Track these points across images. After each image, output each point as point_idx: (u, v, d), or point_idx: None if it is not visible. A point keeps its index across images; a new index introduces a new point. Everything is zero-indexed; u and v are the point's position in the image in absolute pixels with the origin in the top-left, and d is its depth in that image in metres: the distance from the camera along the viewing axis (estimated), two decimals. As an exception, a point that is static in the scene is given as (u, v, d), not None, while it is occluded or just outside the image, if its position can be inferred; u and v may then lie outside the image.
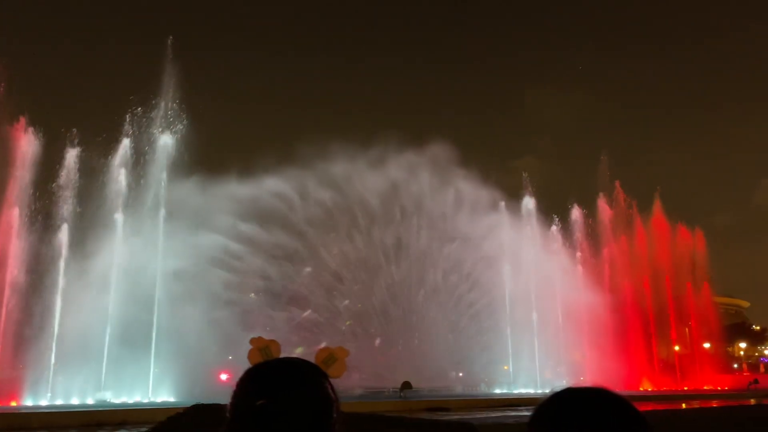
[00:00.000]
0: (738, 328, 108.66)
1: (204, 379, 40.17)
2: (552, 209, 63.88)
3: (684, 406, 40.76)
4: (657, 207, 73.79)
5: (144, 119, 43.79)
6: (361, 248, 59.06)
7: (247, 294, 53.01)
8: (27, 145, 38.60)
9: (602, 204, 68.73)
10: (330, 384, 1.62)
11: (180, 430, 15.29)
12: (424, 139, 63.18)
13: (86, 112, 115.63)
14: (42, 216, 38.92)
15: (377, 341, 57.38)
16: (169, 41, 46.31)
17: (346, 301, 58.39)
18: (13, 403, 33.20)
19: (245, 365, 1.74)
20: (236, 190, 50.53)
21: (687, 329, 75.83)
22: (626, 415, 1.44)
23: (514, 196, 61.60)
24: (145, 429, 18.04)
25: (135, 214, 41.93)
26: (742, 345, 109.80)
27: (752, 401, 45.02)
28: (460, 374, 60.24)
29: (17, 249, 37.07)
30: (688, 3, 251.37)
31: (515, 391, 53.00)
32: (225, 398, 1.66)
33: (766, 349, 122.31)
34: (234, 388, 1.62)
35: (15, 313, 36.07)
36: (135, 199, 42.38)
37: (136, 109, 43.36)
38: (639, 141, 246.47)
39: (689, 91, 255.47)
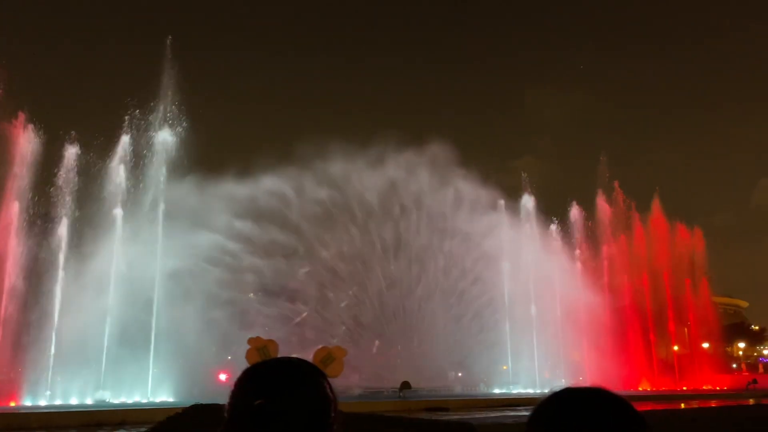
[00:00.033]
0: (737, 328, 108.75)
1: (203, 379, 40.18)
2: (551, 209, 64.02)
3: (683, 406, 40.76)
4: (656, 206, 73.92)
5: (142, 121, 43.80)
6: (361, 249, 59.08)
7: (246, 294, 53.01)
8: (26, 144, 38.57)
9: (601, 204, 68.79)
10: (328, 383, 1.62)
11: (179, 430, 15.28)
12: (423, 138, 63.29)
13: (86, 112, 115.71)
14: (41, 216, 38.91)
15: (375, 345, 57.32)
16: (168, 41, 46.35)
17: (343, 303, 58.38)
18: (12, 404, 33.18)
19: (244, 365, 1.74)
20: (235, 190, 50.54)
21: (686, 329, 75.88)
22: (625, 415, 1.44)
23: (513, 196, 61.74)
24: (144, 429, 18.03)
25: (134, 215, 41.92)
26: (741, 345, 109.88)
27: (751, 401, 45.02)
28: (459, 374, 60.26)
29: (16, 249, 37.03)
30: (688, 3, 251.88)
31: (514, 391, 53.03)
32: (224, 398, 1.65)
33: (764, 349, 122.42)
34: (232, 388, 1.61)
35: (14, 313, 36.04)
36: (134, 200, 42.38)
37: (134, 111, 43.39)
38: (638, 141, 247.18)
39: (689, 91, 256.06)
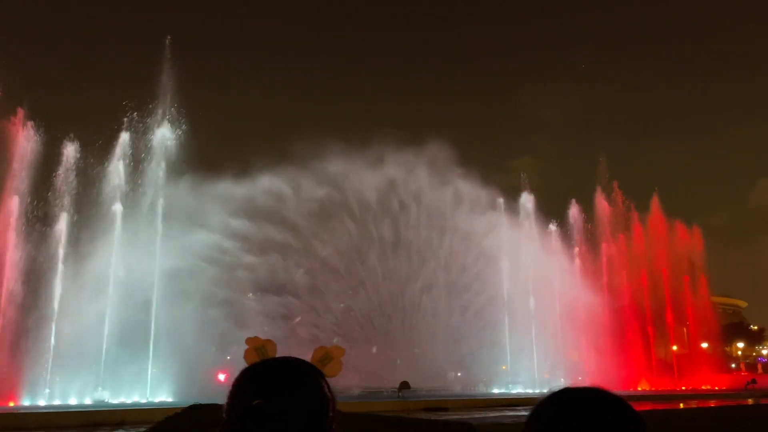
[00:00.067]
0: (736, 328, 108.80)
1: (202, 379, 40.19)
2: (551, 209, 64.08)
3: (682, 406, 40.79)
4: (655, 206, 74.00)
5: (140, 124, 43.74)
6: (360, 249, 59.08)
7: (245, 294, 53.00)
8: (25, 143, 38.56)
9: (600, 204, 68.85)
10: (326, 383, 1.61)
11: (177, 431, 15.27)
12: (423, 138, 63.32)
13: (85, 112, 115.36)
14: (40, 218, 38.88)
15: (374, 345, 57.31)
16: (167, 41, 46.33)
17: (342, 304, 58.41)
18: (11, 404, 33.15)
19: (243, 365, 1.74)
20: (235, 190, 50.56)
21: (685, 329, 75.93)
22: (624, 415, 1.44)
23: (512, 196, 61.77)
24: (143, 429, 18.02)
25: (132, 215, 41.91)
26: (740, 345, 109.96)
27: (750, 401, 45.05)
28: (459, 374, 60.27)
29: (14, 249, 37.00)
30: (688, 3, 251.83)
31: (513, 391, 53.06)
32: (223, 398, 1.65)
33: (763, 348, 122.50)
34: (230, 388, 1.61)
35: (12, 313, 36.01)
36: (132, 200, 42.36)
37: (132, 114, 43.36)
38: (638, 141, 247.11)
39: (689, 91, 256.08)
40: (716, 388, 67.22)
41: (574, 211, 65.32)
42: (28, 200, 38.33)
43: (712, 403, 42.12)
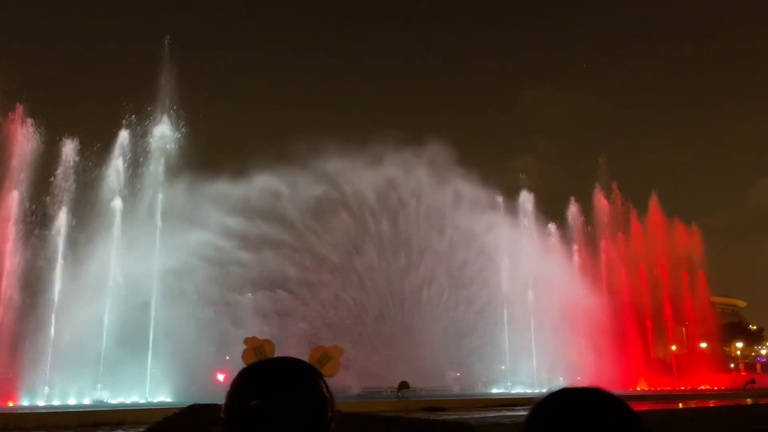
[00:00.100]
0: (735, 328, 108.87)
1: (201, 379, 40.19)
2: (550, 209, 64.04)
3: (681, 405, 40.82)
4: (654, 206, 74.02)
5: (139, 126, 43.71)
6: (361, 249, 59.08)
7: (244, 293, 53.00)
8: (25, 142, 38.57)
9: (600, 204, 68.84)
10: (324, 383, 1.61)
11: (176, 431, 15.27)
12: (423, 138, 63.35)
13: (85, 112, 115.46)
14: (39, 214, 38.87)
15: (373, 345, 57.28)
16: (166, 42, 46.31)
17: (335, 301, 58.39)
18: (10, 404, 33.13)
19: (241, 365, 1.73)
20: (233, 189, 50.56)
21: (684, 329, 75.98)
22: (622, 415, 1.44)
23: (512, 196, 61.77)
24: (142, 429, 18.02)
25: (131, 215, 41.89)
26: (739, 345, 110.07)
27: (749, 401, 45.11)
28: (458, 374, 60.27)
29: (13, 249, 36.97)
30: (688, 3, 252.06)
31: (512, 391, 53.07)
32: (222, 398, 1.65)
33: (762, 348, 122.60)
34: (228, 388, 1.61)
35: (11, 313, 35.98)
36: (132, 200, 42.34)
37: (131, 116, 43.33)
38: (638, 141, 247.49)
39: (689, 91, 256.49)
40: (715, 388, 67.28)
41: (573, 210, 65.35)
42: (27, 200, 38.32)
43: (710, 403, 42.16)
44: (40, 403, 33.92)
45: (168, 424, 16.12)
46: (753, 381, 68.15)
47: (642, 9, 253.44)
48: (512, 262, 58.30)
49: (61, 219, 38.62)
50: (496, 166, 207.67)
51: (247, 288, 53.36)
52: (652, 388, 63.29)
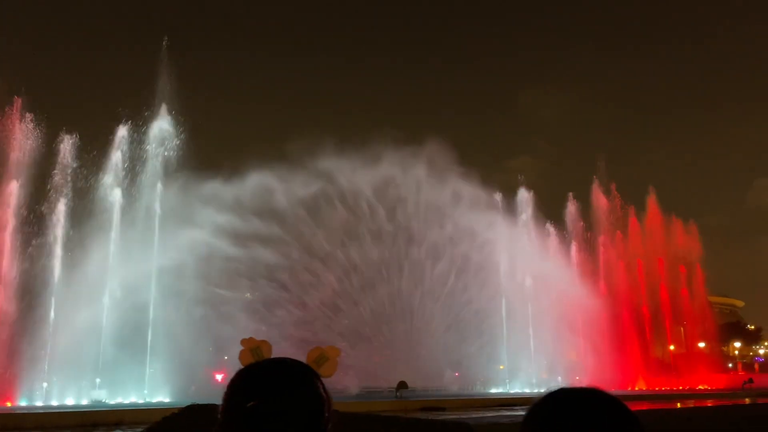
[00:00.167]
0: (733, 328, 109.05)
1: (200, 379, 40.19)
2: (549, 209, 64.10)
3: (679, 405, 40.89)
4: (652, 205, 74.16)
5: (137, 128, 43.69)
6: (360, 249, 59.04)
7: (242, 293, 53.00)
8: (26, 130, 38.59)
9: (598, 204, 68.92)
10: (321, 384, 1.61)
11: (175, 431, 15.26)
12: (422, 138, 63.36)
13: (85, 112, 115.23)
14: (37, 211, 38.83)
15: (373, 345, 57.29)
16: (164, 42, 46.29)
17: (355, 301, 58.41)
18: (8, 404, 33.09)
19: (239, 366, 1.73)
20: (235, 190, 50.53)
21: (682, 329, 76.13)
22: (619, 415, 1.44)
23: (511, 196, 61.81)
24: (140, 429, 18.01)
25: (130, 215, 41.86)
26: (737, 344, 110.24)
27: (747, 400, 45.19)
28: (456, 374, 60.31)
29: (11, 249, 36.93)
30: (689, 3, 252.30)
31: (511, 391, 53.12)
32: (220, 399, 1.65)
33: (760, 348, 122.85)
34: (225, 389, 1.61)
35: (9, 312, 35.94)
36: (130, 200, 42.31)
37: (128, 121, 43.34)
38: (637, 141, 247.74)
39: (688, 91, 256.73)
40: (713, 387, 67.40)
41: (571, 209, 65.39)
42: (26, 200, 38.29)
43: (708, 403, 42.21)
44: (39, 403, 33.89)
45: (166, 424, 16.11)
46: (751, 381, 68.30)
47: (642, 9, 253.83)
48: (511, 261, 58.34)
49: (60, 217, 38.57)
50: (495, 166, 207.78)
51: (245, 288, 53.36)
52: (651, 388, 63.40)
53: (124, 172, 42.13)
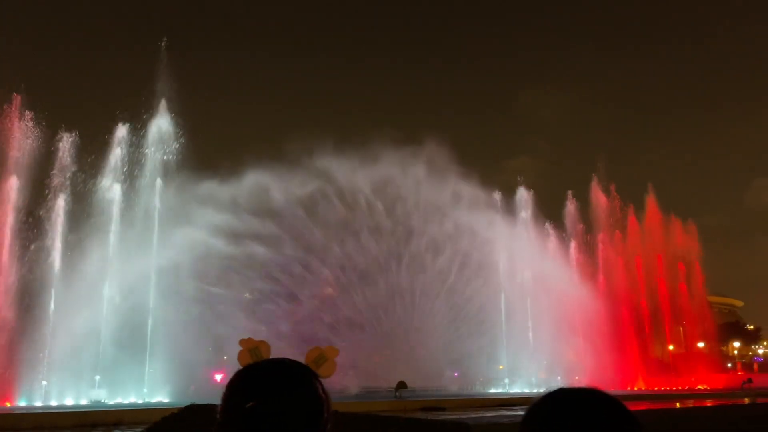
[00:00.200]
0: (732, 328, 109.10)
1: (199, 379, 40.16)
2: (549, 209, 64.12)
3: (678, 405, 40.90)
4: (651, 204, 74.22)
5: (134, 137, 43.66)
6: (360, 249, 58.99)
7: (241, 293, 52.97)
8: (25, 128, 38.59)
9: (598, 203, 68.95)
10: (320, 384, 1.61)
11: (174, 431, 15.25)
12: (422, 138, 63.37)
13: (85, 111, 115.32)
14: (37, 211, 38.80)
15: (372, 345, 57.24)
16: (163, 43, 46.25)
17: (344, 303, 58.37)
18: (8, 404, 33.07)
19: (239, 366, 1.73)
20: (233, 189, 50.50)
21: (681, 328, 76.17)
22: (618, 415, 1.44)
23: (510, 196, 61.82)
24: (140, 429, 18.00)
25: (129, 215, 41.84)
26: (736, 344, 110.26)
27: (746, 400, 45.21)
28: (456, 374, 60.31)
29: (10, 248, 36.90)
30: (689, 3, 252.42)
31: (510, 391, 53.13)
32: (219, 399, 1.64)
33: (759, 348, 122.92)
34: (224, 389, 1.61)
35: (8, 312, 35.91)
36: (129, 200, 42.29)
37: (125, 123, 43.29)
38: (637, 141, 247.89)
39: (688, 91, 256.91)
40: (712, 387, 67.43)
41: (571, 208, 65.40)
42: (26, 198, 38.28)
43: (708, 403, 42.23)
44: (38, 403, 33.87)
45: (166, 424, 16.10)
46: (750, 380, 68.36)
47: (642, 9, 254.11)
48: (510, 261, 58.35)
49: (59, 213, 38.54)
50: (495, 166, 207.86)
51: (245, 288, 53.34)
52: (650, 388, 63.42)
53: (123, 175, 42.11)
